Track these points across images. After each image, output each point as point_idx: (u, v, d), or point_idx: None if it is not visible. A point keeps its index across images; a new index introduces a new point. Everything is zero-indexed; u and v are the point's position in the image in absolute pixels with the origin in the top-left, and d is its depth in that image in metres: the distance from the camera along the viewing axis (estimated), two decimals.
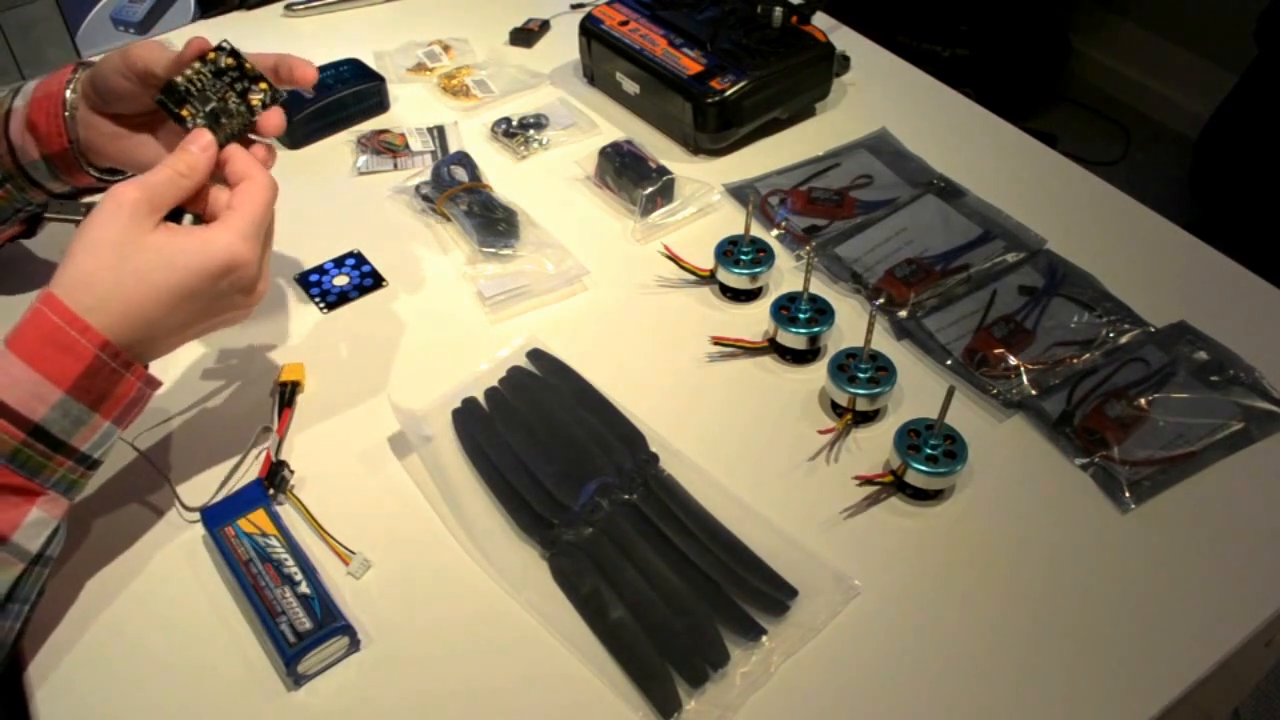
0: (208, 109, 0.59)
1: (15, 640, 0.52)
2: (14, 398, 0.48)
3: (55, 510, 0.51)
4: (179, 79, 0.59)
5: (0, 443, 0.48)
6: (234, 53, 0.60)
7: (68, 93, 0.64)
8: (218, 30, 1.07)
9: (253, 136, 0.61)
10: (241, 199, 0.56)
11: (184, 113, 0.58)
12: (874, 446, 0.65)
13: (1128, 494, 0.62)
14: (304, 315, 0.75)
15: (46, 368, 0.49)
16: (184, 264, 0.52)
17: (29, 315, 0.50)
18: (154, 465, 0.63)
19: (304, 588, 0.55)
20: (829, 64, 0.92)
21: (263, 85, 0.60)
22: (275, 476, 0.61)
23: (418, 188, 0.83)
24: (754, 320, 0.74)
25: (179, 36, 1.04)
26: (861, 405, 0.65)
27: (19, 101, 0.65)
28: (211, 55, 0.59)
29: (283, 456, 0.64)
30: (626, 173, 0.83)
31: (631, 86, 0.92)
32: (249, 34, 1.06)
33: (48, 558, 0.52)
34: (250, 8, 1.09)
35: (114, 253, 0.51)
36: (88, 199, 0.72)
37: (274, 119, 0.61)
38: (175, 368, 0.69)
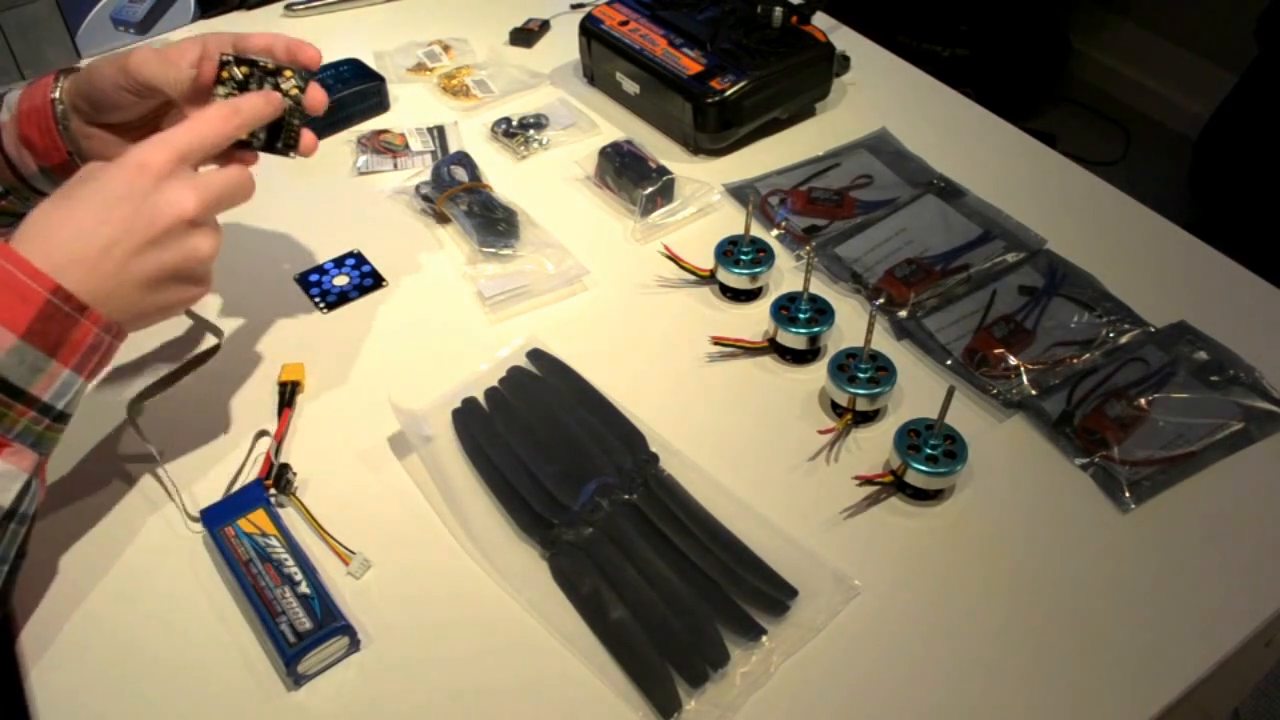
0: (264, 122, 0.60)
1: (1, 604, 0.52)
2: None
3: (23, 463, 0.50)
4: None
5: None
6: (239, 60, 0.61)
7: (56, 105, 0.63)
8: (217, 30, 1.07)
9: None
10: (176, 127, 0.55)
11: (245, 136, 0.60)
12: (874, 446, 0.65)
13: (1128, 494, 0.62)
14: (304, 315, 0.75)
15: (0, 314, 0.48)
16: (97, 173, 0.52)
17: None
18: (157, 459, 0.63)
19: (304, 588, 0.55)
20: (829, 64, 0.92)
21: (287, 73, 0.61)
22: (280, 479, 0.61)
23: (418, 188, 0.83)
24: (754, 320, 0.74)
25: (179, 37, 1.05)
26: (861, 405, 0.65)
27: (4, 115, 0.64)
28: (225, 74, 0.61)
29: (283, 456, 0.64)
30: (626, 173, 0.83)
31: (631, 86, 0.92)
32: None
33: (23, 514, 0.51)
34: (250, 8, 1.09)
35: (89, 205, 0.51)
36: None
37: (317, 96, 0.62)
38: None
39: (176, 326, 0.71)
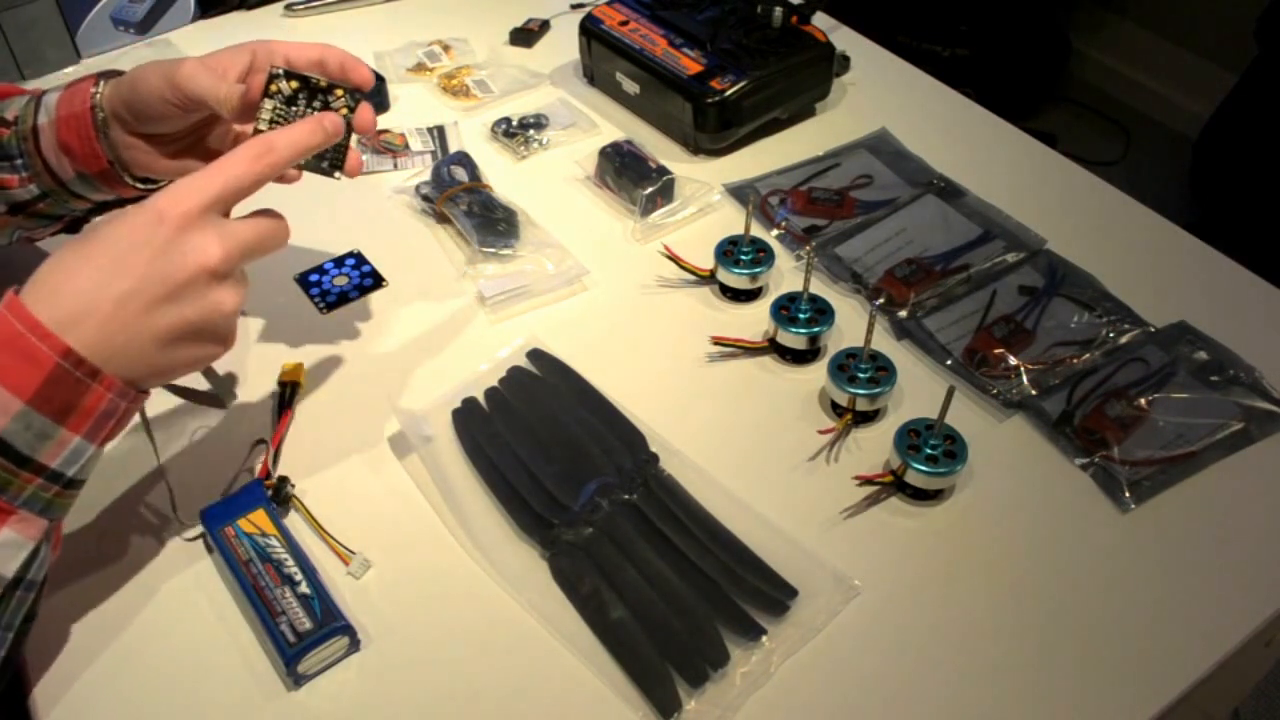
0: None
1: (4, 667, 0.49)
2: None
3: (30, 531, 0.48)
4: (262, 126, 0.58)
5: None
6: (289, 74, 0.58)
7: (96, 112, 0.60)
8: (217, 30, 1.07)
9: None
10: (202, 170, 0.51)
11: None
12: (874, 446, 0.65)
13: (1128, 494, 0.62)
14: (304, 315, 0.75)
15: (5, 377, 0.45)
16: (114, 222, 0.49)
17: None
18: (157, 459, 0.63)
19: (304, 588, 0.55)
20: (829, 64, 0.92)
21: (338, 92, 0.59)
22: (279, 492, 0.60)
23: (418, 188, 0.83)
24: (754, 320, 0.74)
25: (179, 37, 1.05)
26: (861, 405, 0.65)
27: (43, 118, 0.62)
28: (274, 88, 0.58)
29: (283, 456, 0.64)
30: (626, 173, 0.83)
31: (631, 86, 0.92)
32: (249, 34, 1.05)
33: (29, 581, 0.48)
34: (250, 8, 1.09)
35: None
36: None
37: (366, 117, 0.59)
38: None
39: None
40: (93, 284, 0.47)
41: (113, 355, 0.48)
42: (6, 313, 0.46)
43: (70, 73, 1.00)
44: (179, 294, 0.49)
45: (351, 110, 0.59)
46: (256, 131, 0.57)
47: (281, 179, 0.59)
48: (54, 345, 0.46)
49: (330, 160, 0.59)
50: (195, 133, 0.63)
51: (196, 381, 0.65)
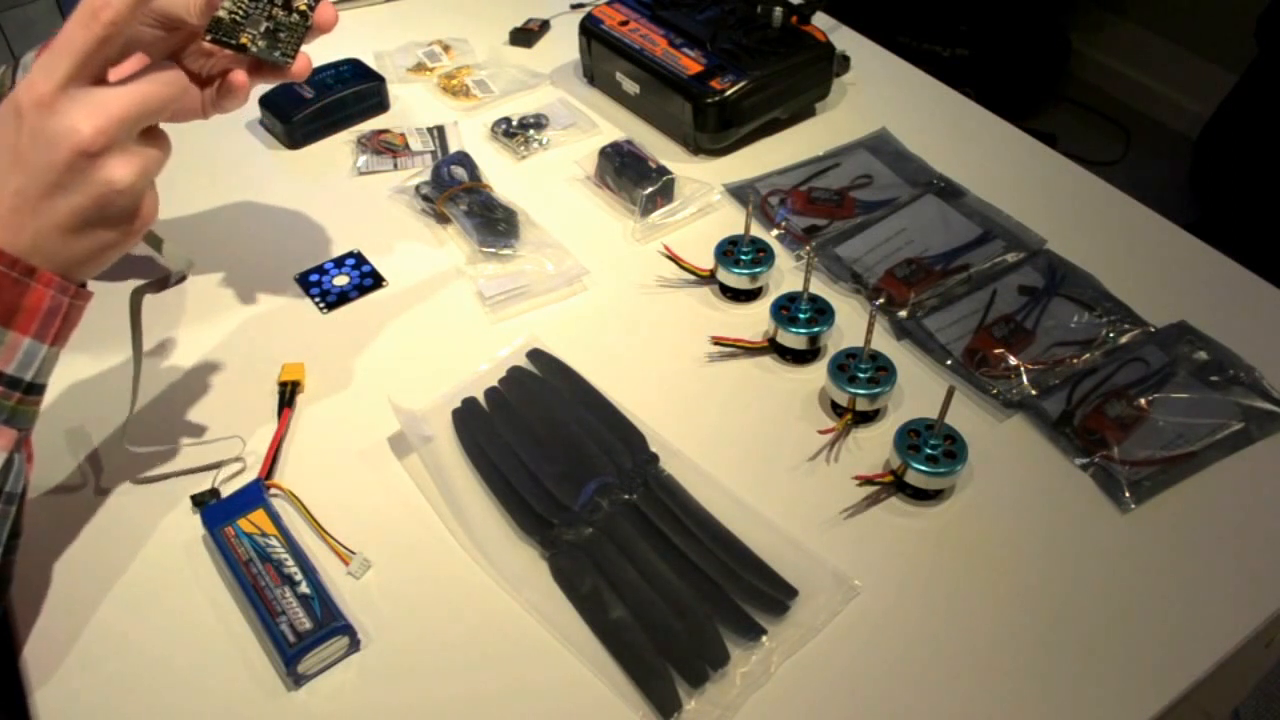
0: (262, 29, 0.57)
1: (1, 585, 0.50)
2: None
3: (1, 441, 0.48)
4: (221, 13, 0.57)
5: None
6: None
7: None
8: None
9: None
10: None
11: (243, 40, 0.57)
12: (874, 446, 0.65)
13: (1128, 494, 0.62)
14: (304, 315, 0.75)
15: None
16: None
17: None
18: (155, 453, 0.63)
19: (304, 588, 0.55)
20: (829, 64, 0.92)
21: None
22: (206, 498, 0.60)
23: (418, 188, 0.83)
24: (754, 320, 0.74)
25: None
26: (861, 405, 0.65)
27: (20, 76, 0.62)
28: None
29: (283, 456, 0.64)
30: (626, 173, 0.83)
31: (631, 86, 0.92)
32: None
33: (8, 494, 0.49)
34: None
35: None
36: None
37: (327, 14, 0.58)
38: (175, 368, 0.69)
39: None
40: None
41: (30, 250, 0.47)
42: None
43: None
44: (63, 181, 0.47)
45: (311, 7, 0.58)
46: (213, 22, 0.57)
47: (233, 80, 0.57)
48: None
49: (282, 50, 0.58)
50: (175, 56, 0.61)
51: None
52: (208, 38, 0.58)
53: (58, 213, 0.47)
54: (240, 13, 0.58)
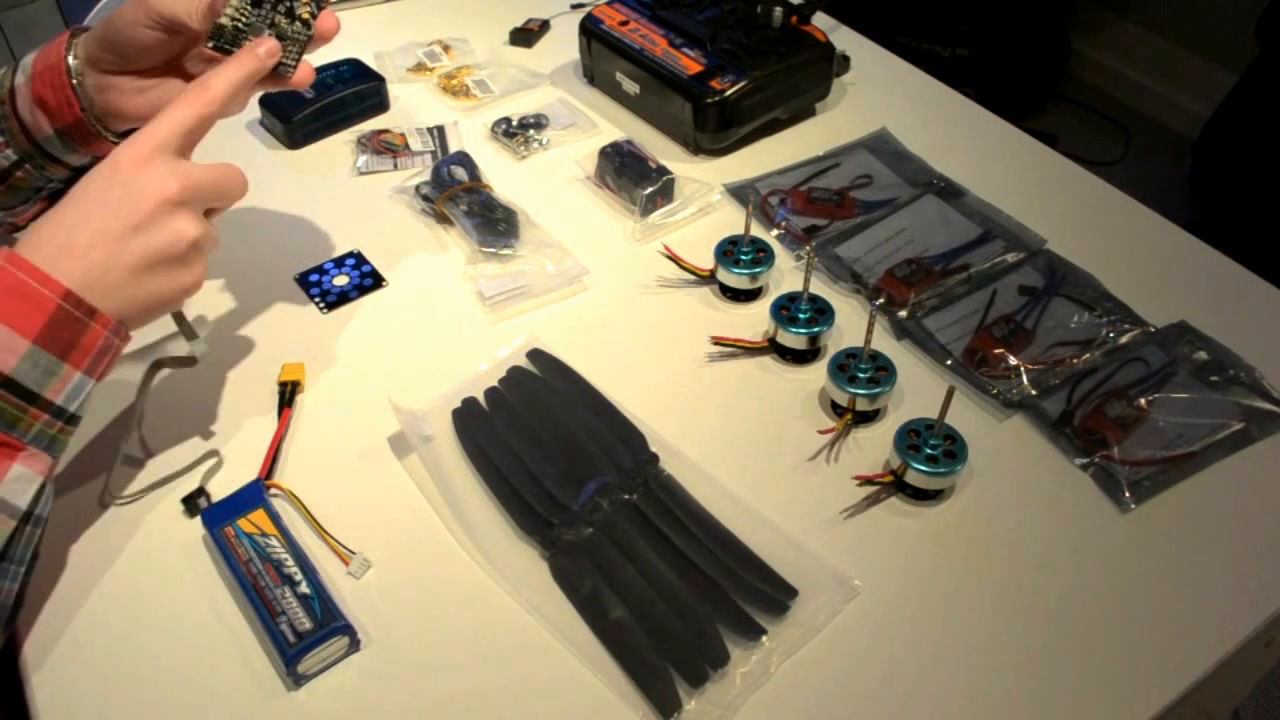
0: (264, 37, 0.59)
1: (15, 607, 0.52)
2: None
3: (38, 466, 0.51)
4: (224, 20, 0.59)
5: None
6: None
7: (70, 60, 0.63)
8: None
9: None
10: (151, 119, 0.55)
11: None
12: (874, 446, 0.65)
13: (1128, 494, 0.62)
14: (304, 315, 0.75)
15: (12, 320, 0.49)
16: (80, 185, 0.53)
17: None
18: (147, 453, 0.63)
19: (304, 588, 0.55)
20: (829, 64, 0.92)
21: None
22: (191, 501, 0.60)
23: (418, 188, 0.83)
24: (754, 320, 0.74)
25: None
26: (861, 405, 0.65)
27: (20, 78, 0.64)
28: None
29: (283, 456, 0.64)
30: (626, 173, 0.83)
31: (631, 86, 0.92)
32: None
33: (38, 517, 0.52)
34: None
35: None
36: None
37: (329, 22, 0.62)
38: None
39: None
40: (68, 228, 0.52)
41: (94, 288, 0.52)
42: (6, 264, 0.50)
43: None
44: (144, 223, 0.52)
45: (314, 15, 0.60)
46: (215, 29, 0.59)
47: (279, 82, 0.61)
48: (54, 289, 0.50)
49: (283, 60, 0.60)
50: (169, 66, 0.65)
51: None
52: (210, 45, 0.59)
53: (131, 252, 0.52)
54: (243, 20, 0.59)
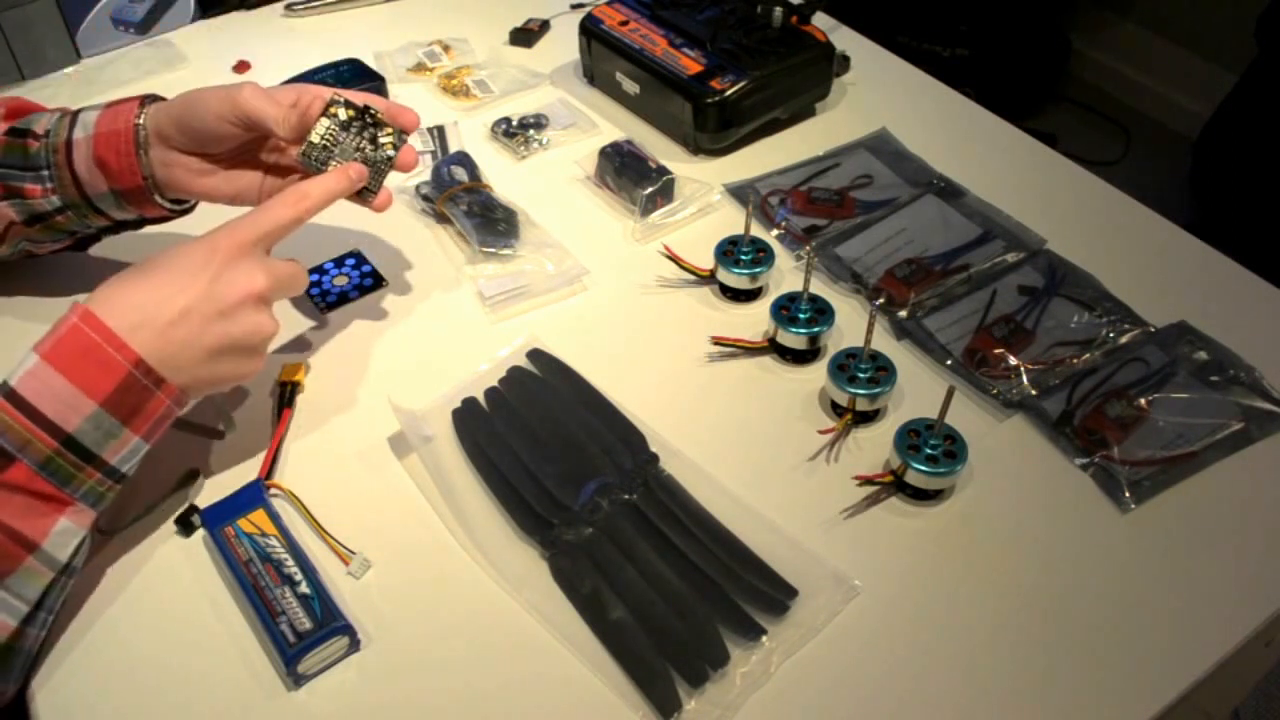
0: (350, 160, 0.64)
1: (38, 653, 0.53)
2: (49, 407, 0.50)
3: (82, 521, 0.52)
4: (315, 138, 0.63)
5: (33, 450, 0.49)
6: (350, 104, 0.64)
7: (139, 130, 0.64)
8: (218, 30, 1.07)
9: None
10: (251, 211, 0.59)
11: (332, 168, 0.64)
12: (874, 446, 0.65)
13: (1128, 494, 0.62)
14: (304, 315, 0.75)
15: (82, 380, 0.50)
16: (173, 251, 0.56)
17: (66, 329, 0.51)
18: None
19: (304, 588, 0.55)
20: (829, 64, 0.92)
21: (388, 129, 0.65)
22: (185, 520, 0.60)
23: (418, 188, 0.83)
24: (754, 320, 0.74)
25: (180, 37, 1.05)
26: (861, 405, 0.65)
27: (79, 133, 0.65)
28: (332, 111, 0.64)
29: (283, 456, 0.64)
30: (626, 173, 0.83)
31: (631, 86, 0.92)
32: (249, 34, 1.06)
33: (73, 568, 0.53)
34: (250, 8, 1.09)
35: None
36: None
37: (409, 157, 0.67)
38: None
39: None
40: (153, 300, 0.54)
41: (167, 362, 0.53)
42: (81, 324, 0.51)
43: (70, 72, 1.00)
44: (230, 313, 0.55)
45: (396, 149, 0.66)
46: (308, 145, 0.64)
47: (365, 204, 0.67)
48: (127, 355, 0.52)
49: (368, 186, 0.65)
50: (238, 154, 0.67)
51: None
52: (300, 158, 0.64)
53: (212, 335, 0.55)
54: (330, 140, 0.64)
